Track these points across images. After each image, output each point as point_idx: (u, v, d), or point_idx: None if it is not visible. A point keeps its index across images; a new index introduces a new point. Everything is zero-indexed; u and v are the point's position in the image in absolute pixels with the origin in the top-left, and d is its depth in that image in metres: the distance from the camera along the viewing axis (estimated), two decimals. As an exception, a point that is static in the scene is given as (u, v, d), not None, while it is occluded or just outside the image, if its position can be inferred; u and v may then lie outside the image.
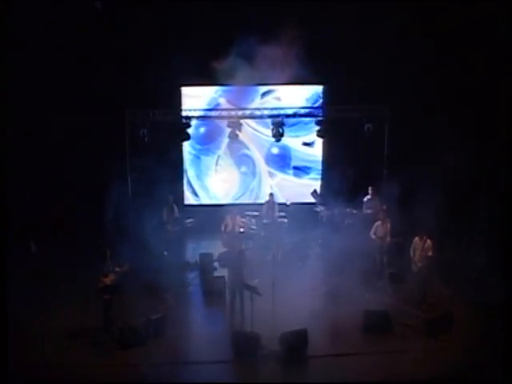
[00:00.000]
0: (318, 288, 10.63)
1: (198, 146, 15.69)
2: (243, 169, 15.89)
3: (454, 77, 13.18)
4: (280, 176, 15.94)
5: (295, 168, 15.91)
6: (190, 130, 14.07)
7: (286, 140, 14.74)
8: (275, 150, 15.79)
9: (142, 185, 13.35)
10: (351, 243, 11.17)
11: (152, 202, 12.54)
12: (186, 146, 15.49)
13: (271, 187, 15.60)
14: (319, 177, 15.76)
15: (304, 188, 15.29)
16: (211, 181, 15.89)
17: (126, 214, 12.43)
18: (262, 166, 15.93)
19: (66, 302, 10.48)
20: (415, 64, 13.63)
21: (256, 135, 15.68)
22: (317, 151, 15.70)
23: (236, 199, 15.75)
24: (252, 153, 15.87)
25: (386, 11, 12.87)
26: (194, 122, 14.50)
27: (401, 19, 12.92)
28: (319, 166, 15.79)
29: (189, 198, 15.84)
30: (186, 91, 15.26)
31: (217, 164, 15.85)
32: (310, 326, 9.04)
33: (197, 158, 15.78)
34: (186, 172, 15.79)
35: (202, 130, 15.56)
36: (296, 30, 11.87)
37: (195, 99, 15.21)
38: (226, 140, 15.11)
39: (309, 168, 15.87)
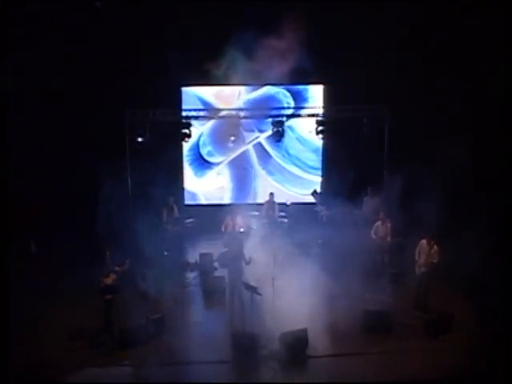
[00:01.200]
0: (318, 288, 10.64)
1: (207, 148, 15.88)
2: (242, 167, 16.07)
3: (455, 76, 13.19)
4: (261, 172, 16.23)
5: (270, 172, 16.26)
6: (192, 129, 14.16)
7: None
8: (263, 149, 16.08)
9: (142, 185, 13.35)
10: (351, 243, 11.17)
11: (152, 202, 12.53)
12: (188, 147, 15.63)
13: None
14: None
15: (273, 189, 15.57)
16: (213, 181, 15.96)
17: (124, 215, 12.40)
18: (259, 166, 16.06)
19: (66, 302, 10.48)
20: (415, 64, 13.64)
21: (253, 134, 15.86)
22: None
23: (237, 199, 15.81)
24: (251, 151, 15.92)
25: (386, 11, 12.88)
26: (210, 123, 14.73)
27: (401, 19, 12.93)
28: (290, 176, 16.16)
29: (189, 198, 15.86)
30: (191, 91, 15.35)
31: (219, 164, 15.94)
32: (310, 326, 9.04)
33: (199, 158, 15.88)
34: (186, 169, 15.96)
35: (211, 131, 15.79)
36: (296, 30, 11.87)
37: (227, 98, 15.47)
38: (229, 140, 15.21)
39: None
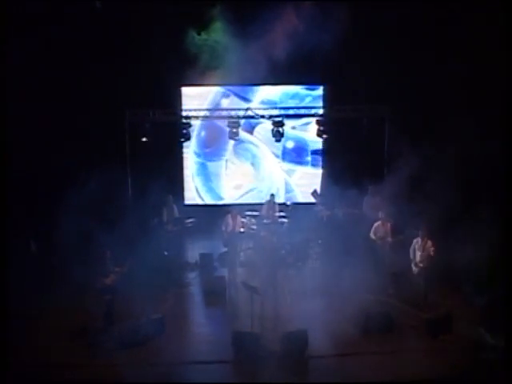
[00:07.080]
0: (318, 288, 10.63)
1: (204, 150, 15.73)
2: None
3: (455, 75, 13.18)
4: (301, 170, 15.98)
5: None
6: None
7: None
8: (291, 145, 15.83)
9: (142, 185, 13.34)
10: (351, 243, 11.16)
11: (152, 202, 12.52)
12: (191, 155, 15.60)
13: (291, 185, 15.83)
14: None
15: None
16: (222, 186, 15.94)
17: (124, 215, 12.39)
18: (270, 165, 15.94)
19: (66, 302, 10.48)
20: (415, 63, 13.63)
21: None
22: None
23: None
24: (260, 151, 15.88)
25: (386, 10, 12.89)
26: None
27: (401, 18, 12.94)
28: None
29: (190, 199, 15.85)
30: (188, 91, 15.28)
31: (226, 168, 15.90)
32: (310, 326, 9.03)
33: (203, 164, 15.81)
34: (193, 179, 15.85)
35: (203, 133, 15.62)
36: (296, 30, 11.89)
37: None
38: (231, 142, 15.15)
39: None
